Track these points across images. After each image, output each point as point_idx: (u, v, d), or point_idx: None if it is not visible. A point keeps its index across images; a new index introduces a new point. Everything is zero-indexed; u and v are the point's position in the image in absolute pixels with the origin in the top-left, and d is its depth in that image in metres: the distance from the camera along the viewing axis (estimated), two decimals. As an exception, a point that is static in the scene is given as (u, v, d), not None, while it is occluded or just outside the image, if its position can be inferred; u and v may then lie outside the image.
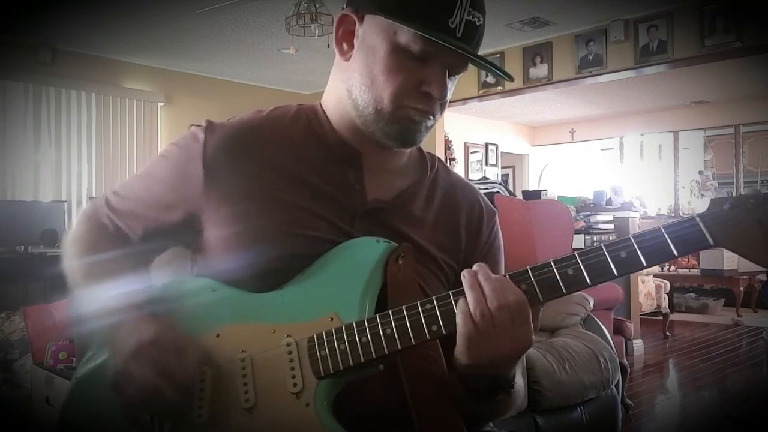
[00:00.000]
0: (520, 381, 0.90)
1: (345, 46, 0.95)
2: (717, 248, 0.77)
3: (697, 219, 0.76)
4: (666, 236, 0.76)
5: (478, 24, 0.90)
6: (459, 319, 0.78)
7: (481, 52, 0.91)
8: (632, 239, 0.77)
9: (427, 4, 0.86)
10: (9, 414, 3.01)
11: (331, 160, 0.97)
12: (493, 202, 3.44)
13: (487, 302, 0.77)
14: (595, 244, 0.81)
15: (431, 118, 0.93)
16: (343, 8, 0.96)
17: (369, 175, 0.98)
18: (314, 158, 0.97)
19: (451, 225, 1.03)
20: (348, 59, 0.95)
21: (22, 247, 4.58)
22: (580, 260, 0.78)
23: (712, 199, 0.78)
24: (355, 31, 0.93)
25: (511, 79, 0.95)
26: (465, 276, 0.80)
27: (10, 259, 4.51)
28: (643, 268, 0.78)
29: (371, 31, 0.91)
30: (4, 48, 5.27)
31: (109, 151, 5.97)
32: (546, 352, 2.57)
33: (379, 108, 0.91)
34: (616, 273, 0.77)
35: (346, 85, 0.95)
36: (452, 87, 0.95)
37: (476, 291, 0.78)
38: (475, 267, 0.81)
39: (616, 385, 2.83)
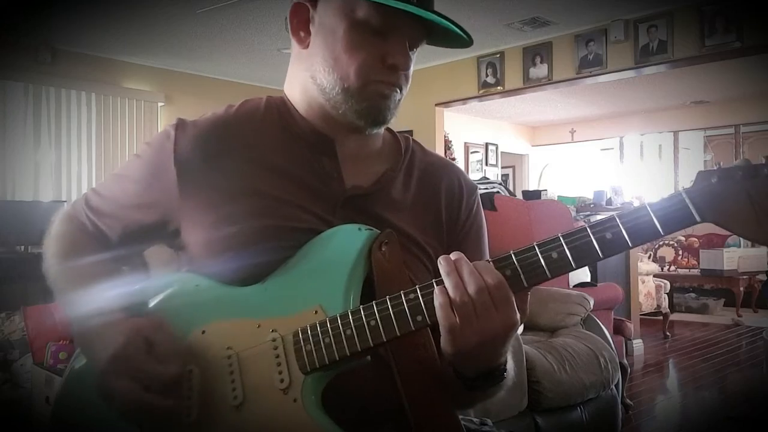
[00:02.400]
0: (511, 364, 0.88)
1: (302, 34, 0.96)
2: (704, 223, 0.73)
3: (683, 194, 0.72)
4: (651, 214, 0.73)
5: None
6: (439, 312, 0.76)
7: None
8: (617, 218, 0.74)
9: None
10: (9, 414, 3.00)
11: (305, 150, 0.97)
12: (493, 203, 3.45)
13: (466, 286, 0.76)
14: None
15: (398, 91, 0.93)
16: None
17: (345, 162, 0.97)
18: (289, 150, 0.97)
19: (431, 205, 1.02)
20: (307, 47, 0.95)
21: (22, 247, 4.58)
22: (564, 242, 0.75)
23: (699, 172, 0.73)
24: (311, 18, 0.94)
25: (470, 41, 0.92)
26: (441, 262, 0.78)
27: (10, 259, 4.51)
28: (629, 248, 0.75)
29: (327, 14, 0.92)
30: (4, 48, 5.26)
31: (109, 151, 5.97)
32: (546, 352, 2.57)
33: (347, 86, 0.91)
34: (601, 255, 0.74)
35: (310, 72, 0.95)
36: (413, 61, 0.95)
37: (454, 276, 0.76)
38: (452, 255, 0.79)
39: (616, 385, 2.83)
